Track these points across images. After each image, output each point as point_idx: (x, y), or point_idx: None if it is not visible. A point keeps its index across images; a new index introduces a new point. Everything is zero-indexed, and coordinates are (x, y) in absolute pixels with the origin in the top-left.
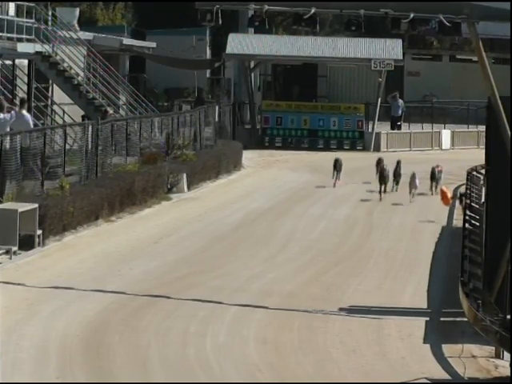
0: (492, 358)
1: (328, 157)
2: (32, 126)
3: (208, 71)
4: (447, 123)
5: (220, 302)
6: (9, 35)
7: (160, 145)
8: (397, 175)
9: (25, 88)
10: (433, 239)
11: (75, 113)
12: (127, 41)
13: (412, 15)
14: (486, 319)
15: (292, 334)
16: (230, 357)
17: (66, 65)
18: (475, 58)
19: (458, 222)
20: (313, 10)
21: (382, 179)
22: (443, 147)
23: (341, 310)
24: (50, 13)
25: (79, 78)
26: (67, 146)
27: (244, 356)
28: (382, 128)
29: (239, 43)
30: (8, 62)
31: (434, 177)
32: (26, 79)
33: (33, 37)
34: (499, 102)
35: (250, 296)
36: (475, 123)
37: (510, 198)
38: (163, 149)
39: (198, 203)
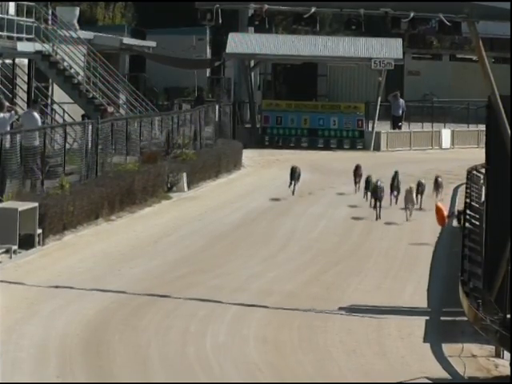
0: (492, 357)
1: (328, 156)
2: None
3: (208, 70)
4: (447, 122)
5: (220, 302)
6: (9, 34)
7: (160, 144)
8: (394, 189)
9: (25, 87)
10: (433, 239)
11: (75, 112)
12: (127, 40)
13: (412, 14)
14: (486, 318)
15: (292, 333)
16: (230, 356)
17: (66, 64)
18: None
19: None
20: (313, 10)
21: (376, 195)
22: (443, 146)
23: (341, 309)
24: (50, 12)
25: (79, 78)
26: (67, 145)
27: (244, 355)
28: (382, 127)
29: (239, 42)
30: (8, 61)
31: (438, 186)
32: (26, 78)
33: (33, 36)
34: (499, 101)
35: (249, 295)
36: (475, 122)
37: (510, 198)
38: (163, 148)
39: (198, 202)
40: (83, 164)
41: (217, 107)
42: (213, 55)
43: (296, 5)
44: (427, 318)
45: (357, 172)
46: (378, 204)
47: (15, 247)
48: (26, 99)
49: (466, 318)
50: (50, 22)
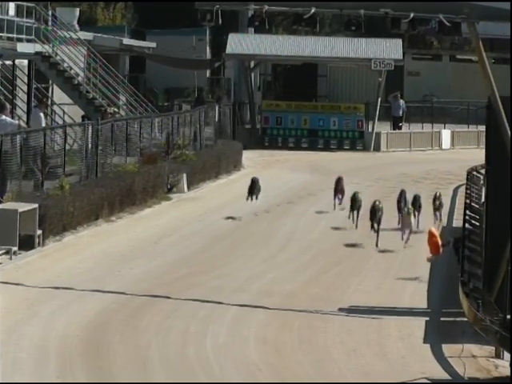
0: (492, 357)
1: (328, 157)
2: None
3: (208, 71)
4: (447, 123)
5: (220, 302)
6: (9, 35)
7: (160, 145)
8: (401, 210)
9: (25, 88)
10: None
11: (75, 113)
12: (127, 41)
13: (412, 15)
14: (486, 319)
15: (292, 333)
16: (230, 357)
17: (66, 65)
18: (475, 58)
19: (458, 222)
20: (313, 10)
21: (374, 218)
22: (443, 147)
23: (341, 309)
24: (50, 13)
25: (79, 78)
26: (67, 146)
27: (244, 356)
28: (382, 128)
29: (239, 43)
30: (8, 62)
31: (439, 205)
32: (25, 79)
33: (33, 37)
34: (499, 101)
35: (249, 296)
36: (475, 123)
37: (510, 198)
38: (163, 148)
39: (198, 203)
40: (83, 165)
41: (217, 108)
42: (213, 56)
43: (296, 5)
44: (427, 318)
45: (338, 187)
46: (376, 228)
47: (15, 248)
48: (25, 100)
49: (466, 319)
50: (50, 23)
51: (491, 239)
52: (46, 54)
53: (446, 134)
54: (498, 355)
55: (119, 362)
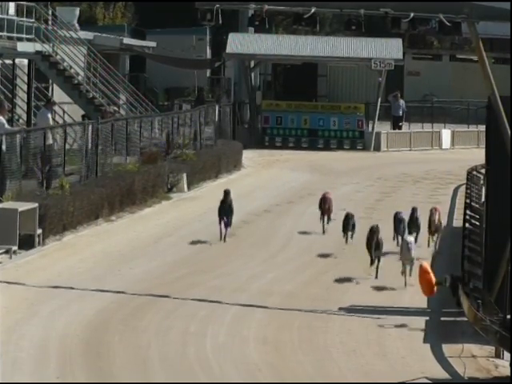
0: (492, 357)
1: (328, 157)
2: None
3: (208, 71)
4: (447, 123)
5: (220, 302)
6: (9, 35)
7: (160, 144)
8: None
9: (25, 88)
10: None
11: (75, 112)
12: (127, 40)
13: (412, 15)
14: (486, 319)
15: (292, 333)
16: (230, 356)
17: (66, 64)
18: (475, 58)
19: (458, 221)
20: (313, 10)
21: (374, 246)
22: (443, 147)
23: (341, 309)
24: (50, 12)
25: (79, 78)
26: (67, 146)
27: (244, 356)
28: (382, 128)
29: (239, 43)
30: (8, 62)
31: (432, 225)
32: (26, 79)
33: (33, 36)
34: (499, 101)
35: (250, 296)
36: (475, 123)
37: (510, 198)
38: (163, 148)
39: (198, 203)
40: (83, 164)
41: (217, 107)
42: (213, 55)
43: (296, 5)
44: (427, 318)
45: (325, 206)
46: (377, 260)
47: (15, 248)
48: (25, 99)
49: (466, 319)
50: (50, 23)
51: (491, 239)
52: (46, 54)
53: (445, 134)
54: (497, 355)
55: (119, 361)
